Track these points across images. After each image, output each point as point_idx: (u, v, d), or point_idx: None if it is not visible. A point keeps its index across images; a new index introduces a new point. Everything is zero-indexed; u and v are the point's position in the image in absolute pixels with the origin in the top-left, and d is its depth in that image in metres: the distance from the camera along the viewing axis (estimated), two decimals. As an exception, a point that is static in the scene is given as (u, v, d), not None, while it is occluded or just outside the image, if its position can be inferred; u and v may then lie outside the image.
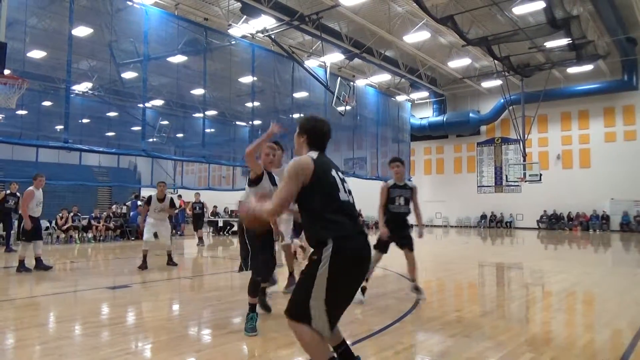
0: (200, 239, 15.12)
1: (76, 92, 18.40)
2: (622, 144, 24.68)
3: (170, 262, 9.28)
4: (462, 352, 3.94)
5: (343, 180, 2.83)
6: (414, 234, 5.99)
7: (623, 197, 24.10)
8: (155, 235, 8.93)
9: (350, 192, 2.83)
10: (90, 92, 19.93)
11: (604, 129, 25.32)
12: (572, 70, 23.16)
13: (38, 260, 8.60)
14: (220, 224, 21.65)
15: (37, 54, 16.46)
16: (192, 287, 7.56)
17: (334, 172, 2.81)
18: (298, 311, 2.67)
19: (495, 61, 21.31)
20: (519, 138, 23.78)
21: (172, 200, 9.29)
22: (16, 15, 11.27)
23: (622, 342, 4.32)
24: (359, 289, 3.59)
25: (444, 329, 4.66)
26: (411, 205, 5.93)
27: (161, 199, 9.01)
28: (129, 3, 13.83)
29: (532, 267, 10.10)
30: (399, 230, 5.80)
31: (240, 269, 4.70)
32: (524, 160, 23.56)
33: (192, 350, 4.02)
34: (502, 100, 25.35)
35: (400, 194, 5.82)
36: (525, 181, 23.09)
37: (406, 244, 5.84)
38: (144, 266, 8.63)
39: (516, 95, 24.09)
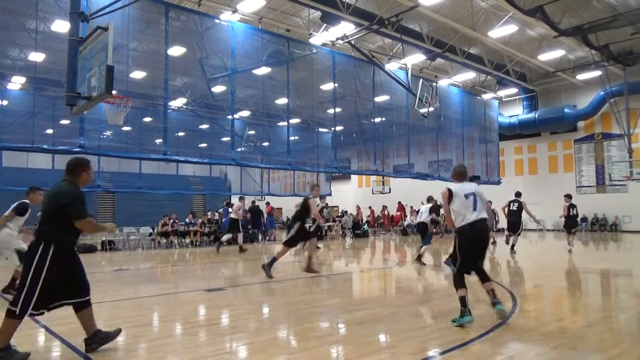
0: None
1: (172, 107, 19.78)
2: None
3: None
4: (567, 366, 3.68)
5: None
6: None
7: None
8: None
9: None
10: (184, 107, 21.41)
11: None
12: (685, 54, 20.84)
13: None
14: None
15: (138, 74, 17.99)
16: (282, 291, 7.77)
17: None
18: None
19: (593, 51, 19.71)
20: (623, 133, 21.81)
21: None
22: (119, 40, 12.35)
23: None
24: None
25: (545, 340, 4.38)
26: None
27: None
28: (217, 21, 14.63)
29: (644, 275, 9.18)
30: None
31: None
32: (630, 157, 21.56)
33: (284, 352, 4.13)
34: (602, 93, 23.46)
35: None
36: (633, 179, 21.13)
37: None
38: None
39: (618, 87, 22.21)
